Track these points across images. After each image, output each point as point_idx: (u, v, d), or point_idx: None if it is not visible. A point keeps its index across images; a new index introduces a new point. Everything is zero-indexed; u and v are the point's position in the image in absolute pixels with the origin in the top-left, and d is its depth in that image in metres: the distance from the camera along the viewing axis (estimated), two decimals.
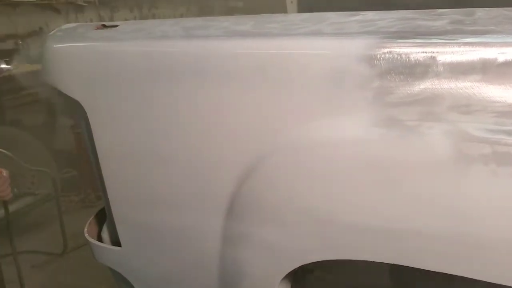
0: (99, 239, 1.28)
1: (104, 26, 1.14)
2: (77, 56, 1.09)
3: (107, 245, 1.23)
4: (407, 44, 0.80)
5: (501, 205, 0.73)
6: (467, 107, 0.76)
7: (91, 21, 4.94)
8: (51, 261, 3.18)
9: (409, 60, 0.79)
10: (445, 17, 0.87)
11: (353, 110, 0.83)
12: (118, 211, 1.13)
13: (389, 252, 0.83)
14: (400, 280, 1.28)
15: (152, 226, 1.10)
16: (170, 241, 1.09)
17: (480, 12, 0.89)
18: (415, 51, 0.79)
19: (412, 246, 0.80)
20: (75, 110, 1.17)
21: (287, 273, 0.97)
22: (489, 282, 0.77)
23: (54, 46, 1.10)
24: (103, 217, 1.28)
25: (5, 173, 1.68)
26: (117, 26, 1.13)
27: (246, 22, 1.01)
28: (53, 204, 3.37)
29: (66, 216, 3.35)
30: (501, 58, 0.74)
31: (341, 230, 0.87)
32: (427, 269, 0.81)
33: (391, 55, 0.80)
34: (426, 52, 0.78)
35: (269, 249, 0.96)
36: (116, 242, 1.20)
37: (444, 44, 0.78)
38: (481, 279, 0.76)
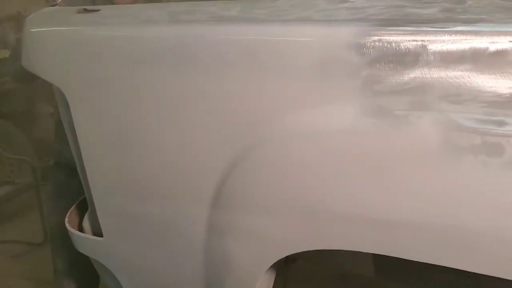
0: (81, 229, 1.26)
1: (86, 10, 1.11)
2: (58, 41, 1.05)
3: (88, 235, 1.21)
4: (397, 32, 0.78)
5: (490, 196, 0.73)
6: (457, 96, 0.75)
7: (72, 6, 4.83)
8: (31, 251, 3.13)
9: (399, 48, 0.78)
10: (435, 5, 0.86)
11: (342, 99, 0.82)
12: (99, 200, 1.11)
13: (378, 242, 0.83)
14: (383, 269, 1.29)
15: (135, 215, 1.08)
16: (154, 231, 1.07)
17: (471, 1, 0.88)
18: (405, 39, 0.78)
19: (401, 236, 0.80)
20: (56, 96, 1.14)
21: (273, 263, 0.96)
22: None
23: (33, 30, 1.06)
24: (85, 206, 1.26)
25: None
26: (99, 10, 1.10)
27: (233, 8, 0.98)
28: (33, 193, 3.31)
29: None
30: (492, 48, 0.73)
31: (328, 220, 0.86)
32: (416, 260, 0.80)
33: (380, 43, 0.79)
34: (416, 41, 0.77)
35: (255, 239, 0.95)
36: (98, 232, 1.17)
37: (435, 33, 0.77)
38: (469, 270, 0.76)
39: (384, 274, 1.30)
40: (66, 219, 1.27)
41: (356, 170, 0.82)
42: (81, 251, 1.26)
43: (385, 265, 1.20)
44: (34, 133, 3.96)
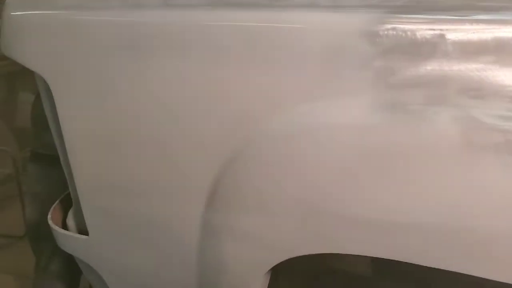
0: (64, 226, 1.19)
1: None
2: (40, 25, 0.97)
3: (73, 234, 1.14)
4: (414, 20, 0.73)
5: None
6: (478, 91, 0.70)
7: None
8: (12, 244, 3.05)
9: (415, 38, 0.72)
10: None
11: (351, 92, 0.76)
12: (85, 197, 1.04)
13: (388, 246, 0.77)
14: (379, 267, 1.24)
15: (124, 214, 1.01)
16: (144, 231, 1.00)
17: None
18: (422, 28, 0.72)
19: (414, 240, 0.75)
20: (38, 85, 1.07)
21: (271, 266, 0.91)
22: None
23: (13, 13, 0.98)
24: (69, 202, 1.19)
25: None
26: None
27: None
28: (13, 184, 3.23)
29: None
30: None
31: (334, 222, 0.80)
32: (429, 266, 0.75)
33: (395, 32, 0.73)
34: (434, 30, 0.71)
35: (253, 241, 0.89)
36: (83, 230, 1.11)
37: (454, 21, 0.71)
38: (489, 278, 0.72)
39: (378, 273, 1.26)
40: (49, 216, 1.20)
41: (364, 169, 0.76)
42: (65, 250, 1.20)
43: (380, 263, 1.15)
44: (15, 123, 3.86)
